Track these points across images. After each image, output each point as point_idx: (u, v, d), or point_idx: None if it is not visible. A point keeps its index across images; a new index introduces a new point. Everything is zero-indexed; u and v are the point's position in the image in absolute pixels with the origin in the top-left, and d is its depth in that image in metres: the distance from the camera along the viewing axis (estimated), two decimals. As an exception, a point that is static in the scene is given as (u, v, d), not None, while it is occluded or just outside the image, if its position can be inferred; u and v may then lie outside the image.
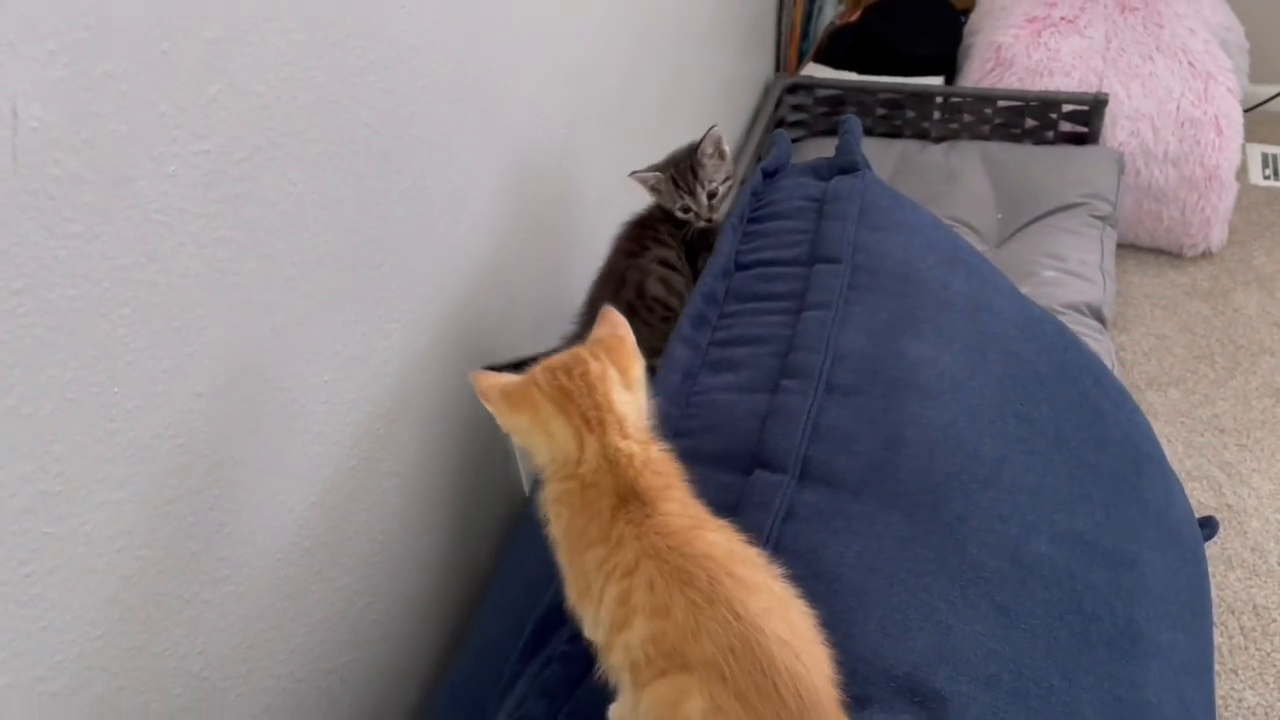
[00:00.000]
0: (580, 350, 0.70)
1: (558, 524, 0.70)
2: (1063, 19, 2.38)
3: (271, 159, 0.79)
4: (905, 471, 0.84)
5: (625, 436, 0.67)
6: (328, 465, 0.91)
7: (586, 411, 0.66)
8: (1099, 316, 1.89)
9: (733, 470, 0.87)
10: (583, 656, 0.78)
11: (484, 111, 1.10)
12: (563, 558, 0.71)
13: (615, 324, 0.72)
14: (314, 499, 0.90)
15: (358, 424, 0.95)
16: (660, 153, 1.25)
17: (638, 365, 0.70)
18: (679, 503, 0.66)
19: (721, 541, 0.65)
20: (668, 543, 0.63)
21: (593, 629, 0.68)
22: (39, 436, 0.62)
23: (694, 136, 1.24)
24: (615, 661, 0.65)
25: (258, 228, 0.78)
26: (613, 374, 0.68)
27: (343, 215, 0.88)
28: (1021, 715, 0.73)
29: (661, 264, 1.21)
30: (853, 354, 0.93)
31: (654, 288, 1.20)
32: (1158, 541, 0.94)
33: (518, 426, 0.70)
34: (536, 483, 1.22)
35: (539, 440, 0.69)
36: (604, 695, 0.73)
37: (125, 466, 0.69)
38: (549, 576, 0.91)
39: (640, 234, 1.23)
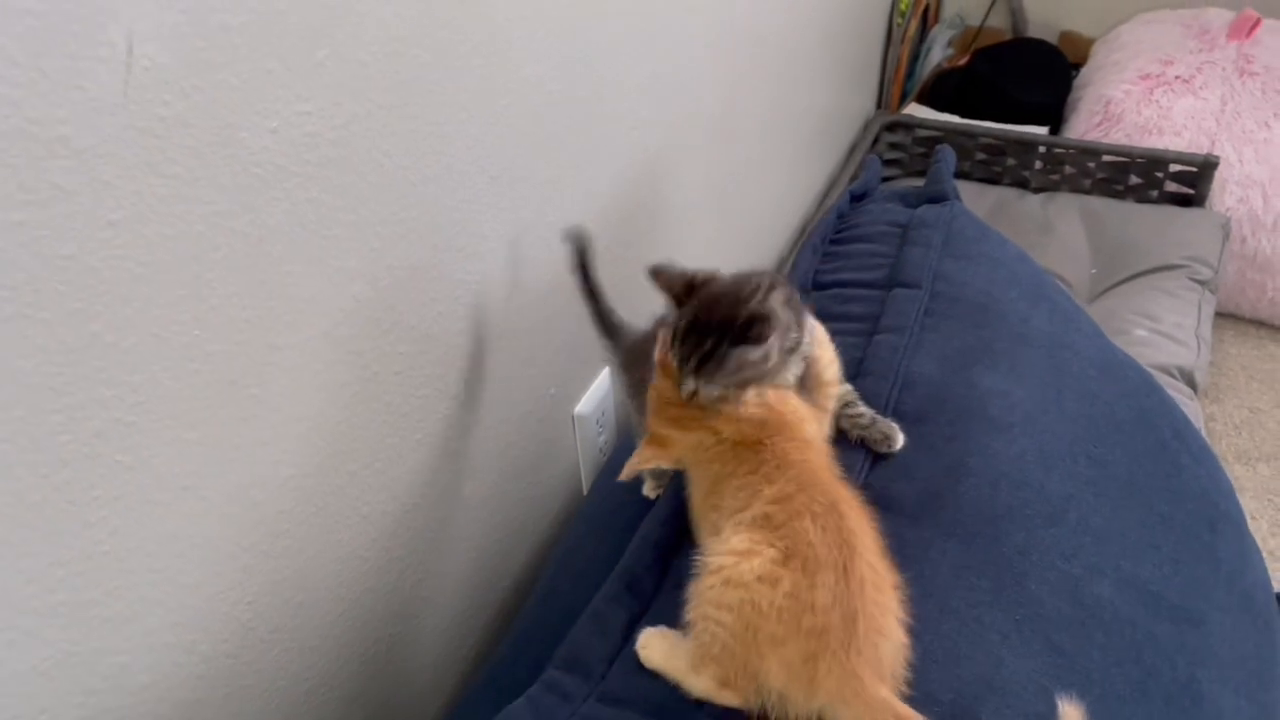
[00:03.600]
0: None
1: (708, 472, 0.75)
2: (1178, 78, 2.33)
3: (368, 129, 0.81)
4: (966, 500, 0.82)
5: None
6: (394, 435, 0.93)
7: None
8: (1190, 381, 1.83)
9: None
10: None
11: (581, 109, 1.12)
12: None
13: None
14: (378, 466, 0.92)
15: (427, 400, 0.96)
16: (756, 175, 1.22)
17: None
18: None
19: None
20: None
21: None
22: (119, 365, 0.65)
23: (793, 162, 1.22)
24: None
25: (348, 195, 0.80)
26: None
27: (431, 194, 0.90)
28: (1067, 758, 0.70)
29: None
30: (922, 381, 0.91)
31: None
32: (1228, 603, 0.90)
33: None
34: (595, 481, 1.22)
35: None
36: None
37: (199, 408, 0.71)
38: (600, 571, 0.92)
39: None
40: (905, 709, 0.64)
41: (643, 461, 0.77)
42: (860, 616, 0.64)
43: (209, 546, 0.76)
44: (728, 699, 0.68)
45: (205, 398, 0.72)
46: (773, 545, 0.66)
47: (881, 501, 0.82)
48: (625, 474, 0.79)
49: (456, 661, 1.13)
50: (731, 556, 0.67)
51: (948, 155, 1.17)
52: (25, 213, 0.56)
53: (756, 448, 0.72)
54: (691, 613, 0.69)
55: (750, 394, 0.73)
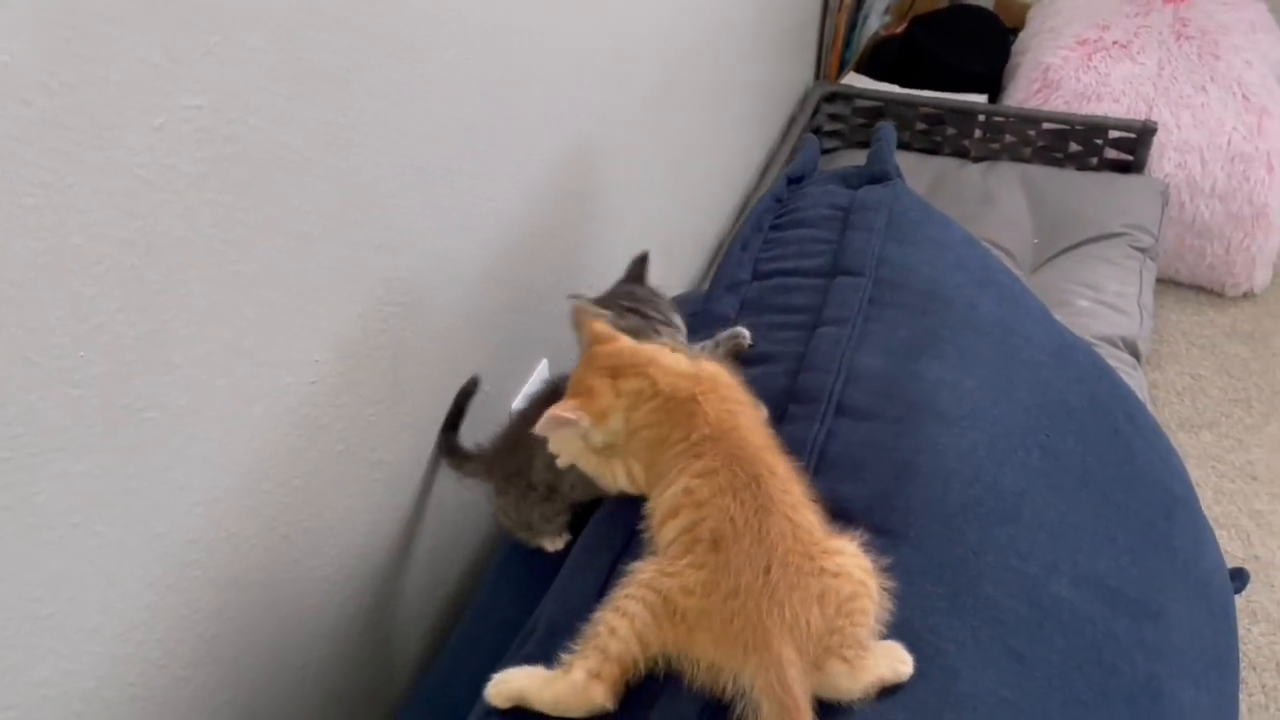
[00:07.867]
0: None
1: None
2: (1115, 43, 2.32)
3: (271, 122, 0.74)
4: (917, 501, 0.79)
5: None
6: (313, 448, 0.87)
7: None
8: (1133, 351, 1.82)
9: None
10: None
11: (509, 92, 1.06)
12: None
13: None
14: (296, 483, 0.86)
15: (348, 408, 0.91)
16: (695, 152, 1.18)
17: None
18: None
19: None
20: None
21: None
22: (-9, 397, 0.58)
23: (733, 136, 1.18)
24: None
25: (249, 193, 0.74)
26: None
27: (345, 189, 0.84)
28: (1029, 772, 0.67)
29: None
30: (867, 375, 0.87)
31: (540, 473, 0.96)
32: (1185, 593, 0.88)
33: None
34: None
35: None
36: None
37: (86, 436, 0.65)
38: (539, 585, 0.87)
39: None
40: (792, 674, 0.61)
41: (566, 410, 0.74)
42: (775, 568, 0.64)
43: (106, 586, 0.69)
44: (595, 693, 0.64)
45: (92, 424, 0.65)
46: (700, 539, 0.67)
47: (829, 506, 0.78)
48: (541, 426, 0.76)
49: (390, 679, 1.08)
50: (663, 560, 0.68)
51: (889, 133, 1.13)
52: None
53: (690, 406, 0.73)
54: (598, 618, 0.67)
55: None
